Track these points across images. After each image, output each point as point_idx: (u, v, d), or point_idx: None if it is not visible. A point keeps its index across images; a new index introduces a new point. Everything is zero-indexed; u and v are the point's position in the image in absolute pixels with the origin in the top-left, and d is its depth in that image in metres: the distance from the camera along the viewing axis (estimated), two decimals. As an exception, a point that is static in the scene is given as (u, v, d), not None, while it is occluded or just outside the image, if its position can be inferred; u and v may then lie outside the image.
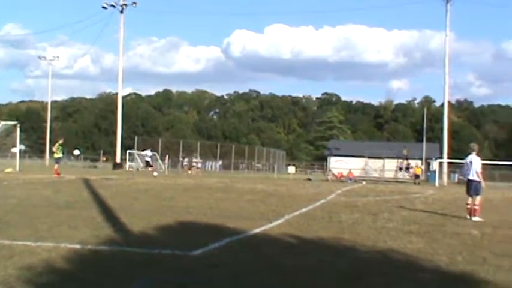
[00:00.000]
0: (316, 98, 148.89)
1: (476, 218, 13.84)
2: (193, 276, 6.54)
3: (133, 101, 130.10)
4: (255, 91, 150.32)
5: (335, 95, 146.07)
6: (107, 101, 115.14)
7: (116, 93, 62.72)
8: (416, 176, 47.93)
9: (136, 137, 62.08)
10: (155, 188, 22.79)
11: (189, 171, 50.33)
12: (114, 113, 61.88)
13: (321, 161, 79.64)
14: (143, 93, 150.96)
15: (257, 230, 10.35)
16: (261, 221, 11.72)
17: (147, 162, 41.40)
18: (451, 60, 53.45)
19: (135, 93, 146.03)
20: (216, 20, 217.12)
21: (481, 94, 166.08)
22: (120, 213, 12.29)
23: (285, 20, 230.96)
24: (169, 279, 6.36)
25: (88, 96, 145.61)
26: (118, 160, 56.71)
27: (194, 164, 57.55)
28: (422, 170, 49.92)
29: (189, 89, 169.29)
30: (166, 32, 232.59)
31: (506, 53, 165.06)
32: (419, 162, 51.39)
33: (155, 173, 36.38)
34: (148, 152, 41.53)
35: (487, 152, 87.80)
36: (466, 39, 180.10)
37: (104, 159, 79.31)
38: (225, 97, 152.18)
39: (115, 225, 10.46)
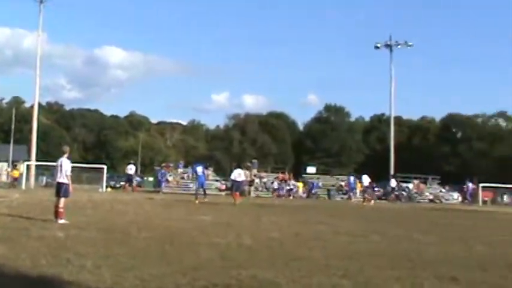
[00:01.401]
0: None
1: (61, 221, 13.95)
2: None
3: None
4: None
5: None
6: None
7: None
8: (15, 179, 46.20)
9: None
10: None
11: None
12: None
13: None
14: None
15: None
16: None
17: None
18: (44, 62, 53.37)
19: None
20: None
21: (72, 97, 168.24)
22: None
23: None
24: None
25: None
26: None
27: None
28: (20, 172, 48.30)
29: None
30: None
31: (97, 60, 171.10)
32: (5, 164, 49.63)
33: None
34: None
35: (75, 154, 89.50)
36: (59, 42, 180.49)
37: None
38: None
39: None
